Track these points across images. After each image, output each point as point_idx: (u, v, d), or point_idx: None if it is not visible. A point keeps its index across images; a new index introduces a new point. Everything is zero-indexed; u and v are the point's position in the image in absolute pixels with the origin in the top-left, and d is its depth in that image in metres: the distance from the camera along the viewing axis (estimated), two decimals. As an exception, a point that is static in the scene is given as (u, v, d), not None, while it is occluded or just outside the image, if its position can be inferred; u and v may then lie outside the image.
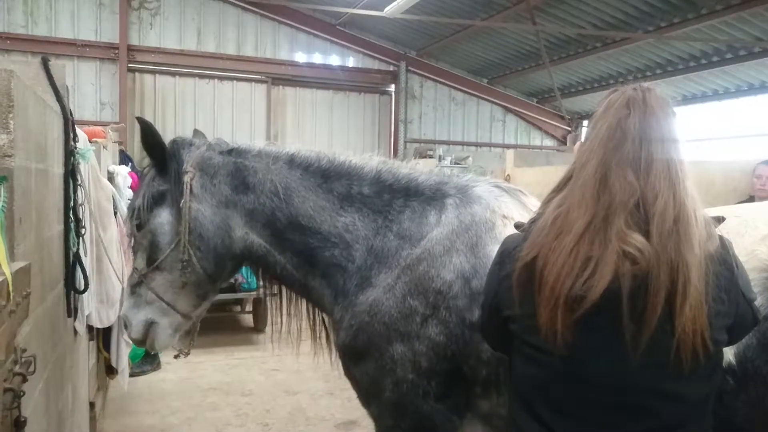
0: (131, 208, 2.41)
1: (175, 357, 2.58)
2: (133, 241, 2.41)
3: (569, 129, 14.44)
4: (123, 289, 3.68)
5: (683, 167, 1.37)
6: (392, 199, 2.25)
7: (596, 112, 1.48)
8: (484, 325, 1.69)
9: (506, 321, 1.50)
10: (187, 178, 2.26)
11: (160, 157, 2.34)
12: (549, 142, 14.58)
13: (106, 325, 3.53)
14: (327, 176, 2.31)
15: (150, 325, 2.34)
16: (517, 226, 1.60)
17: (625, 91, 1.45)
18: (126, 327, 2.42)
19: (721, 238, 1.41)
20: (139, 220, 2.34)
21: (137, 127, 2.37)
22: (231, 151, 2.37)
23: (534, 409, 1.45)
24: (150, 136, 2.31)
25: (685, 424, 1.36)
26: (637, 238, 1.29)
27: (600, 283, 1.27)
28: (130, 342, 4.19)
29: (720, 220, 1.49)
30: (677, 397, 1.34)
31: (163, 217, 2.30)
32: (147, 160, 2.41)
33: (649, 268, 1.28)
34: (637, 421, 1.34)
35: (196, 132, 2.62)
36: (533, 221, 1.49)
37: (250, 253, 2.33)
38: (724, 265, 1.37)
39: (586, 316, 1.30)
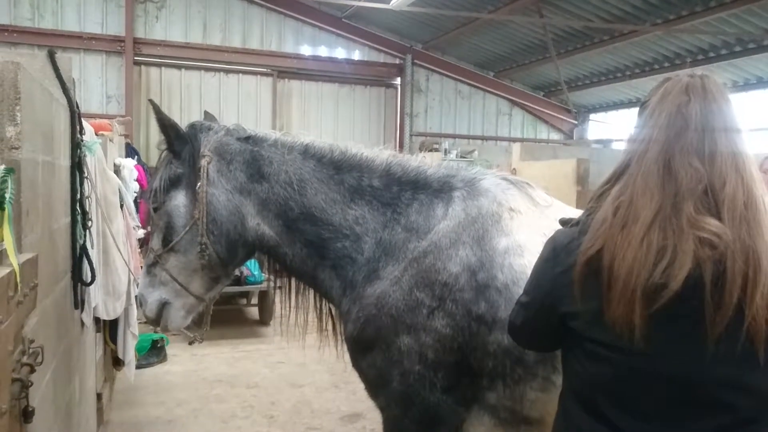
0: (149, 190, 2.42)
1: (190, 344, 2.61)
2: (151, 222, 2.44)
3: (576, 122, 14.39)
4: (129, 281, 3.71)
5: (748, 153, 1.33)
6: (401, 191, 2.25)
7: (650, 102, 1.42)
8: (526, 324, 1.57)
9: (563, 318, 1.42)
10: (204, 162, 2.27)
11: (174, 137, 2.35)
12: (555, 136, 14.54)
13: (112, 317, 3.55)
14: (339, 168, 2.31)
15: (163, 305, 2.37)
16: (563, 222, 1.54)
17: (681, 78, 1.40)
18: (141, 305, 2.44)
19: None
20: (156, 202, 2.36)
21: (143, 120, 2.38)
22: (248, 139, 2.38)
23: (597, 408, 1.37)
24: (160, 116, 2.34)
25: (760, 418, 1.30)
26: (712, 222, 1.25)
27: (681, 271, 1.22)
28: (137, 334, 4.24)
29: None
30: (754, 390, 1.28)
31: (179, 199, 2.33)
32: (163, 144, 2.42)
33: (727, 253, 1.23)
34: (713, 416, 1.28)
35: (207, 114, 2.63)
36: (588, 214, 1.42)
37: (261, 243, 2.34)
38: None
39: (665, 308, 1.24)
